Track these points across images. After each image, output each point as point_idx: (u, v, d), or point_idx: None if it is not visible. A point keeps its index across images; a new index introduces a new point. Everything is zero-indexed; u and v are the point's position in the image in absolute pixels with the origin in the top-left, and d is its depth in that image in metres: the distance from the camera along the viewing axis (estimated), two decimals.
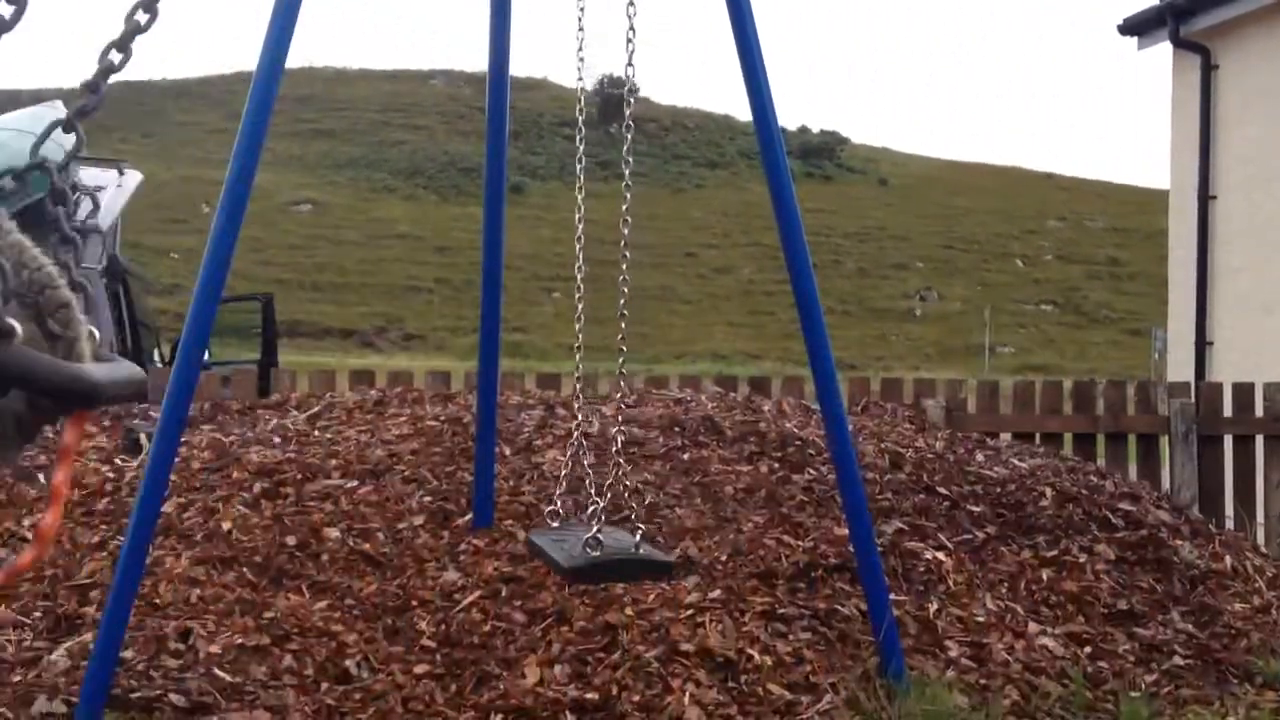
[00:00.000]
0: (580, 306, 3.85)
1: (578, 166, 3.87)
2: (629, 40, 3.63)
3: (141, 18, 1.85)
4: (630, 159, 3.65)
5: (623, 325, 3.66)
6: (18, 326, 1.37)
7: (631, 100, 3.75)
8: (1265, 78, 10.33)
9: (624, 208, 3.67)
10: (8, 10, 1.51)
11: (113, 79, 1.78)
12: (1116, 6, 12.23)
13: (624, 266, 3.71)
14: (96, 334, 1.52)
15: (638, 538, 3.50)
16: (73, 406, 1.44)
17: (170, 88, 64.52)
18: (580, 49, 3.93)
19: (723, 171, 58.32)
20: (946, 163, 66.14)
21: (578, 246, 3.83)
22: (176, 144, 53.25)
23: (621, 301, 3.69)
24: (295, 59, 3.99)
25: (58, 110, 11.19)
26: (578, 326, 3.83)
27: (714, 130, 63.28)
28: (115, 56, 1.81)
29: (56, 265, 1.52)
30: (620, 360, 3.76)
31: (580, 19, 3.91)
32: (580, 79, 3.94)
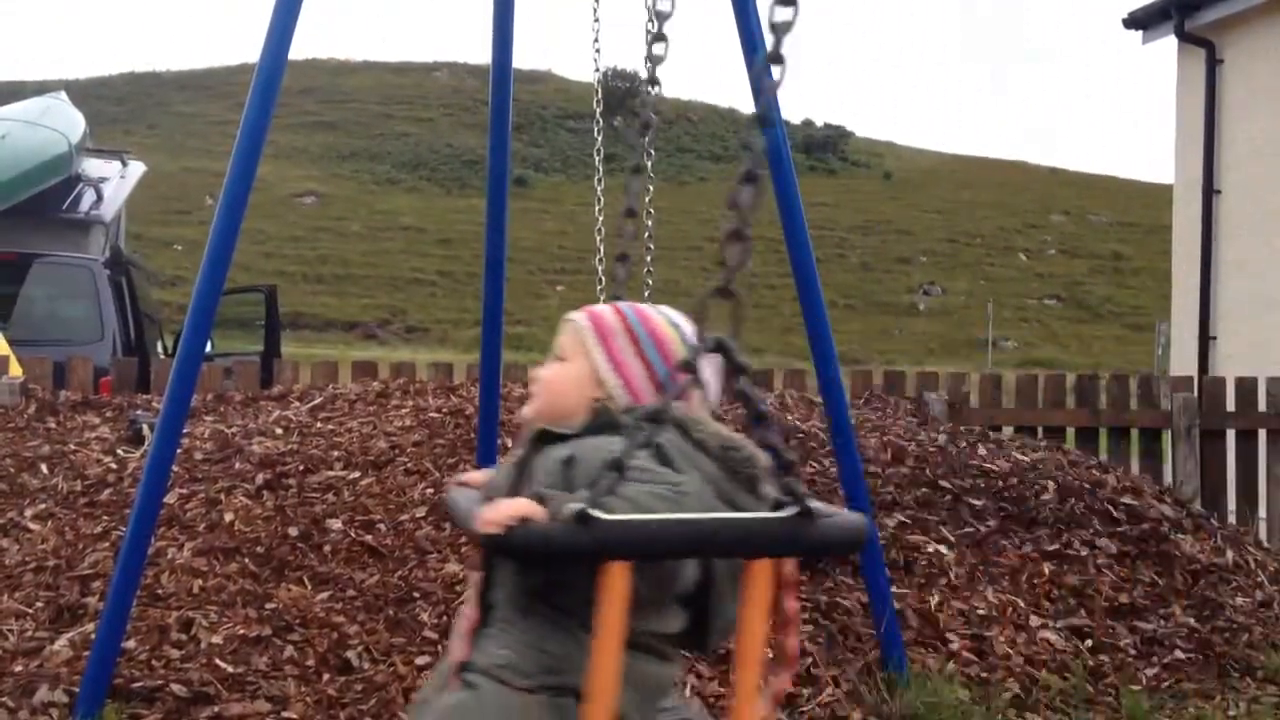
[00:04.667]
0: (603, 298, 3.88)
1: (596, 158, 3.88)
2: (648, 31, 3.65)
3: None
4: (651, 152, 3.66)
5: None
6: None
7: (653, 91, 3.76)
8: (1270, 73, 10.30)
9: (647, 199, 3.69)
10: None
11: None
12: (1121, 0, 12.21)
13: (648, 259, 3.73)
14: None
15: None
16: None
17: (174, 79, 64.51)
18: (596, 39, 3.94)
19: (727, 165, 58.25)
20: (951, 157, 66.06)
21: (597, 239, 3.87)
22: (180, 135, 53.26)
23: (646, 294, 3.71)
24: (299, 50, 3.99)
25: (62, 101, 11.21)
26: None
27: (718, 123, 63.21)
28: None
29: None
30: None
31: (596, 7, 3.91)
32: (597, 69, 3.95)
